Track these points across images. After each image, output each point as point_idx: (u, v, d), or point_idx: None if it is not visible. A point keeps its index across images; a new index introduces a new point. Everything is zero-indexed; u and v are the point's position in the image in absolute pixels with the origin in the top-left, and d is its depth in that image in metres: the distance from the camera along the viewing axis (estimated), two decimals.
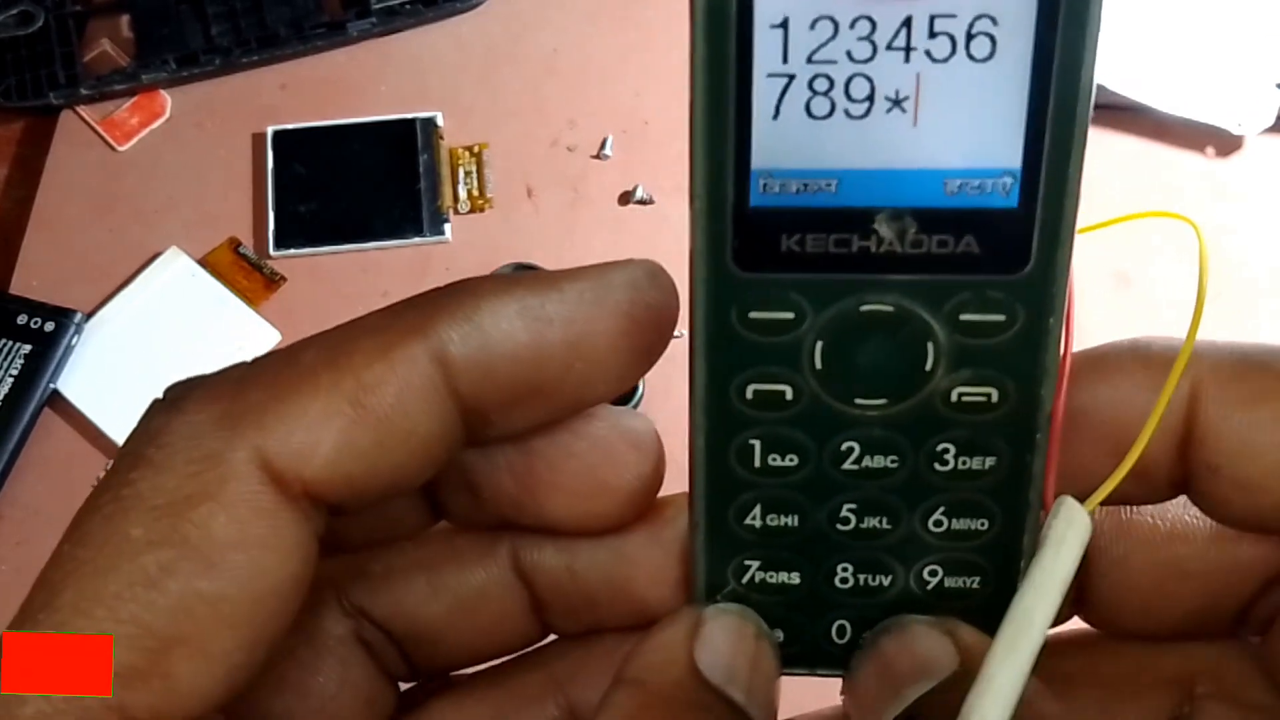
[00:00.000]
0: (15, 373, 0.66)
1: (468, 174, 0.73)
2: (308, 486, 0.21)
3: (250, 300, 0.70)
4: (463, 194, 0.73)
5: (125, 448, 0.22)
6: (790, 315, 0.22)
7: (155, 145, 0.75)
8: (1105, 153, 0.72)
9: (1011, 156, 0.21)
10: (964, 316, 0.22)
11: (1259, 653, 0.26)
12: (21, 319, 0.67)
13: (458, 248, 0.71)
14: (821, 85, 0.21)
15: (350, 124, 0.74)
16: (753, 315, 0.22)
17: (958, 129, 0.21)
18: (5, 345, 0.67)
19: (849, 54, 0.21)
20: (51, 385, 0.67)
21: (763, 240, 0.22)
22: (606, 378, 0.23)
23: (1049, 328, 0.22)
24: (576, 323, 0.23)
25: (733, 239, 0.22)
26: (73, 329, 0.67)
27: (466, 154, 0.74)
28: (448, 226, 0.72)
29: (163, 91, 0.76)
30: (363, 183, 0.73)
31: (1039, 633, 0.21)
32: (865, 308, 0.22)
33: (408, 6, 0.77)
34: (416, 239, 0.71)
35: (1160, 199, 0.69)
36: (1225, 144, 0.72)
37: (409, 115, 0.74)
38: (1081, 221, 0.22)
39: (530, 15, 0.78)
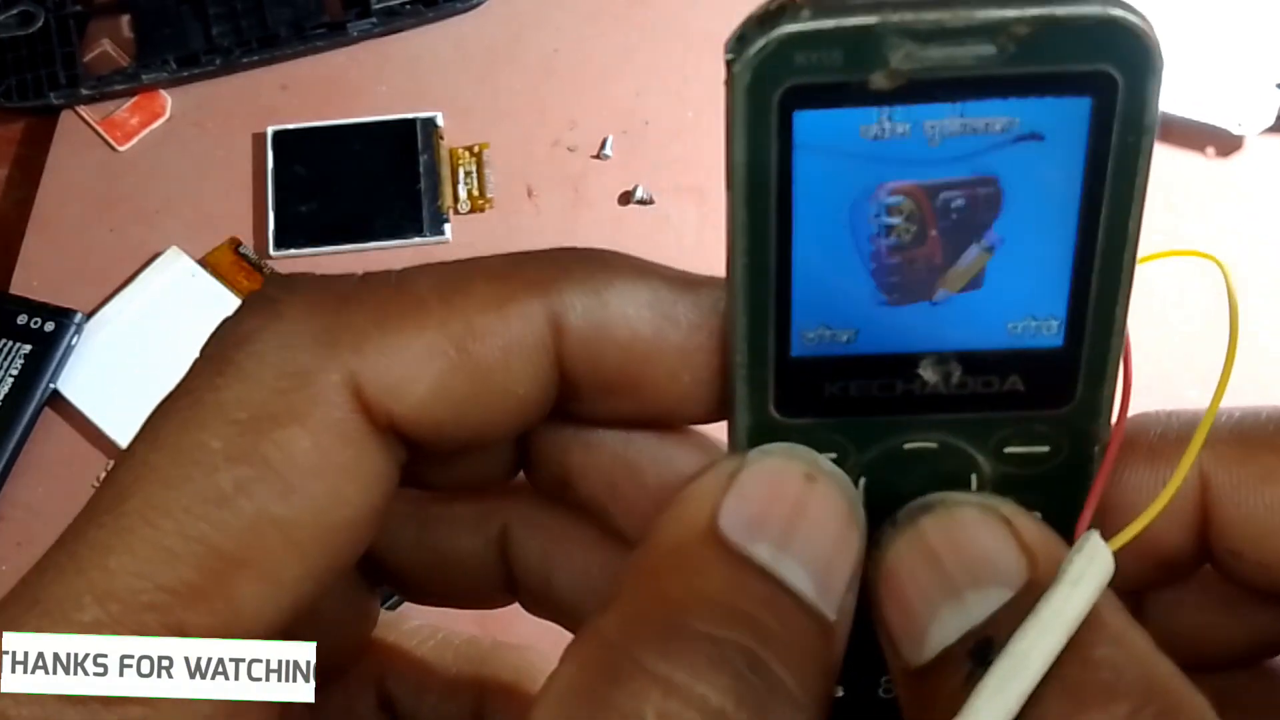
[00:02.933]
0: (15, 373, 0.66)
1: (468, 174, 0.73)
2: (395, 422, 0.20)
3: None
4: (463, 194, 0.73)
5: (212, 347, 0.21)
6: (833, 455, 0.22)
7: (155, 145, 0.75)
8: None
9: (1057, 300, 0.21)
10: (1008, 450, 0.22)
11: None
12: (21, 319, 0.67)
13: (458, 248, 0.71)
14: (866, 243, 0.21)
15: (350, 124, 0.74)
16: None
17: (1004, 280, 0.21)
18: (5, 345, 0.67)
19: (889, 218, 0.21)
20: (51, 385, 0.67)
21: (805, 388, 0.22)
22: (709, 399, 0.22)
23: (1093, 455, 0.22)
24: (701, 332, 0.22)
25: (775, 388, 0.22)
26: (73, 329, 0.67)
27: (467, 154, 0.74)
28: (448, 227, 0.72)
29: (163, 92, 0.76)
30: (363, 183, 0.73)
31: (1033, 674, 0.19)
32: (909, 446, 0.22)
33: (408, 7, 0.77)
34: (417, 239, 0.71)
35: (1160, 199, 0.69)
36: (1225, 144, 0.72)
37: (409, 115, 0.74)
38: None
39: (530, 15, 0.78)
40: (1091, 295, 0.21)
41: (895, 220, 0.21)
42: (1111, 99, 0.20)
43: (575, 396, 0.22)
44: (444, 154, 0.74)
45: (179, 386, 0.21)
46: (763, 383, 0.22)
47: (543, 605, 0.27)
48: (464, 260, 0.22)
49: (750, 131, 0.20)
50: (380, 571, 0.27)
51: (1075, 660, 0.19)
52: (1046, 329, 0.22)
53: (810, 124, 0.20)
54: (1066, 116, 0.20)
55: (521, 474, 0.26)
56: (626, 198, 0.73)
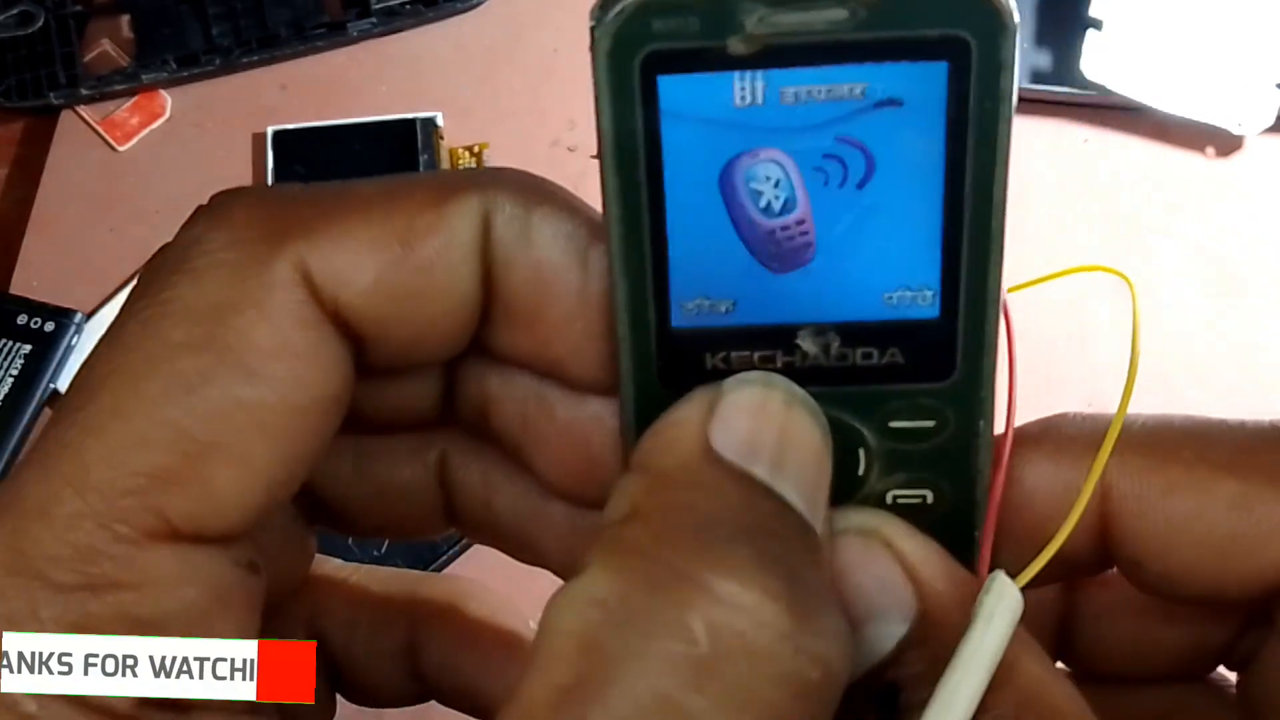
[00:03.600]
0: (15, 373, 0.66)
1: None
2: (341, 310, 0.21)
3: None
4: None
5: (167, 254, 0.21)
6: None
7: (155, 145, 0.75)
8: (1105, 153, 0.72)
9: (930, 270, 0.21)
10: (894, 424, 0.22)
11: (1232, 693, 0.25)
12: (21, 319, 0.67)
13: None
14: (733, 211, 0.21)
15: (350, 124, 0.74)
16: None
17: (876, 248, 0.21)
18: (5, 345, 0.67)
19: (758, 187, 0.21)
20: (51, 386, 0.67)
21: (687, 359, 0.22)
22: (596, 361, 0.23)
23: (979, 430, 0.22)
24: (603, 282, 0.22)
25: (657, 359, 0.22)
26: (73, 329, 0.67)
27: (466, 154, 0.74)
28: None
29: (163, 92, 0.76)
30: None
31: (964, 712, 0.20)
32: None
33: (408, 6, 0.77)
34: None
35: (1160, 199, 0.69)
36: (1226, 144, 0.72)
37: (409, 115, 0.74)
38: (1040, 262, 0.22)
39: (530, 15, 0.78)
40: (963, 264, 0.21)
41: (764, 187, 0.21)
42: (966, 64, 0.20)
43: (487, 318, 0.23)
44: (444, 154, 0.74)
45: (135, 292, 0.21)
46: (646, 354, 0.22)
47: (482, 530, 0.27)
48: (405, 173, 0.23)
49: (614, 98, 0.21)
50: (319, 507, 0.27)
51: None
52: (922, 299, 0.22)
53: (673, 90, 0.20)
54: (923, 82, 0.20)
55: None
56: None
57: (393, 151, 0.74)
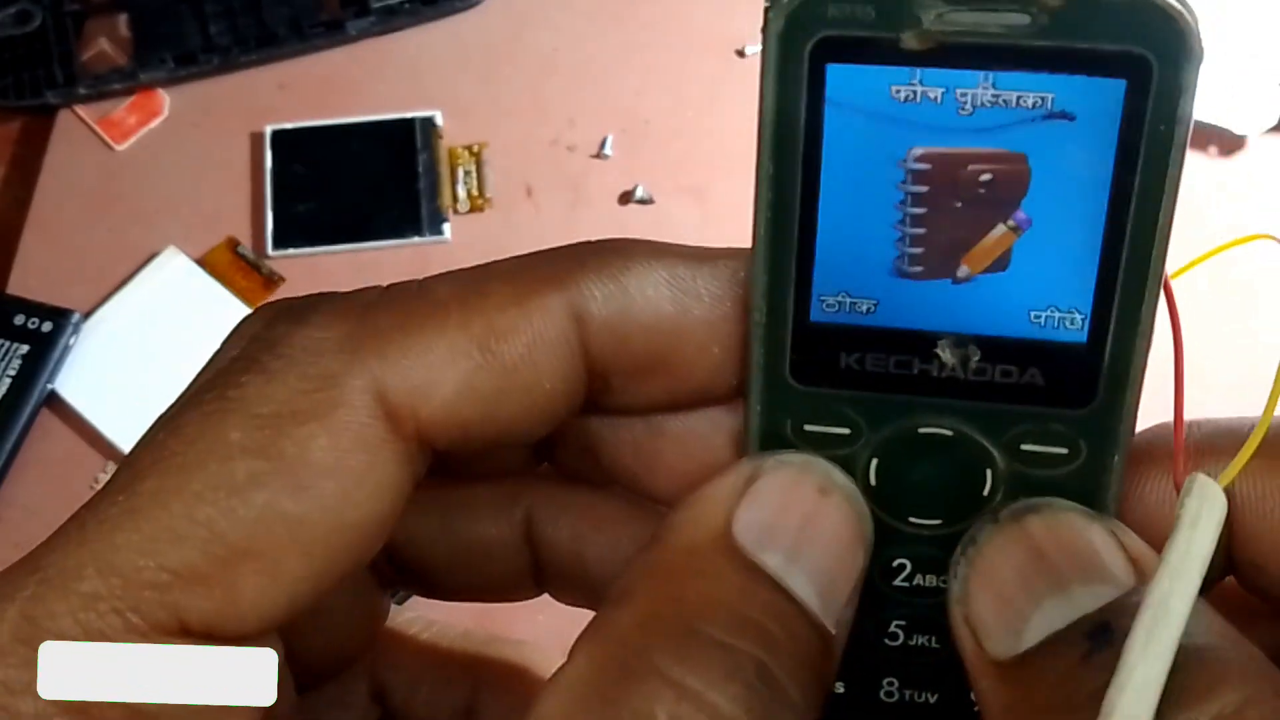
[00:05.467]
0: (13, 373, 0.66)
1: (467, 174, 0.73)
2: (421, 427, 0.21)
3: (249, 300, 0.69)
4: (462, 194, 0.73)
5: (239, 351, 0.21)
6: (845, 431, 0.22)
7: (153, 145, 0.74)
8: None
9: (1083, 293, 0.21)
10: (1025, 446, 0.22)
11: None
12: (19, 319, 0.67)
13: (457, 248, 0.71)
14: (888, 209, 0.21)
15: (349, 123, 0.74)
16: (808, 428, 0.22)
17: (1027, 262, 0.21)
18: (2, 346, 0.67)
19: (917, 187, 0.21)
20: (49, 386, 0.66)
21: (821, 356, 0.22)
22: (740, 368, 0.22)
23: (1113, 464, 0.22)
24: (724, 303, 0.22)
25: (791, 353, 0.22)
26: (70, 329, 0.67)
27: (466, 153, 0.73)
28: (447, 226, 0.71)
29: (161, 91, 0.75)
30: (361, 182, 0.73)
31: (1179, 619, 0.19)
32: (923, 430, 0.22)
33: (407, 6, 0.76)
34: (415, 239, 0.71)
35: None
36: (1228, 143, 0.71)
37: (408, 115, 0.74)
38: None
39: (530, 15, 0.78)
40: (1118, 291, 0.21)
41: (921, 188, 0.20)
42: (1145, 84, 0.19)
43: (605, 388, 0.22)
44: (443, 153, 0.73)
45: (203, 382, 0.21)
46: (780, 346, 0.22)
47: (575, 589, 0.26)
48: (483, 264, 0.22)
49: (780, 81, 0.20)
50: (403, 568, 0.26)
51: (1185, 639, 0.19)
52: (1070, 322, 0.21)
53: (840, 79, 0.20)
54: (1098, 98, 0.20)
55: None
56: (626, 197, 0.73)
57: (391, 151, 0.73)
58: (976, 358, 0.21)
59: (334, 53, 0.77)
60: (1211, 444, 0.22)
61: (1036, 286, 0.21)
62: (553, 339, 0.21)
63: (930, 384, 0.22)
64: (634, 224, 0.72)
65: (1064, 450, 0.22)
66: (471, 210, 0.72)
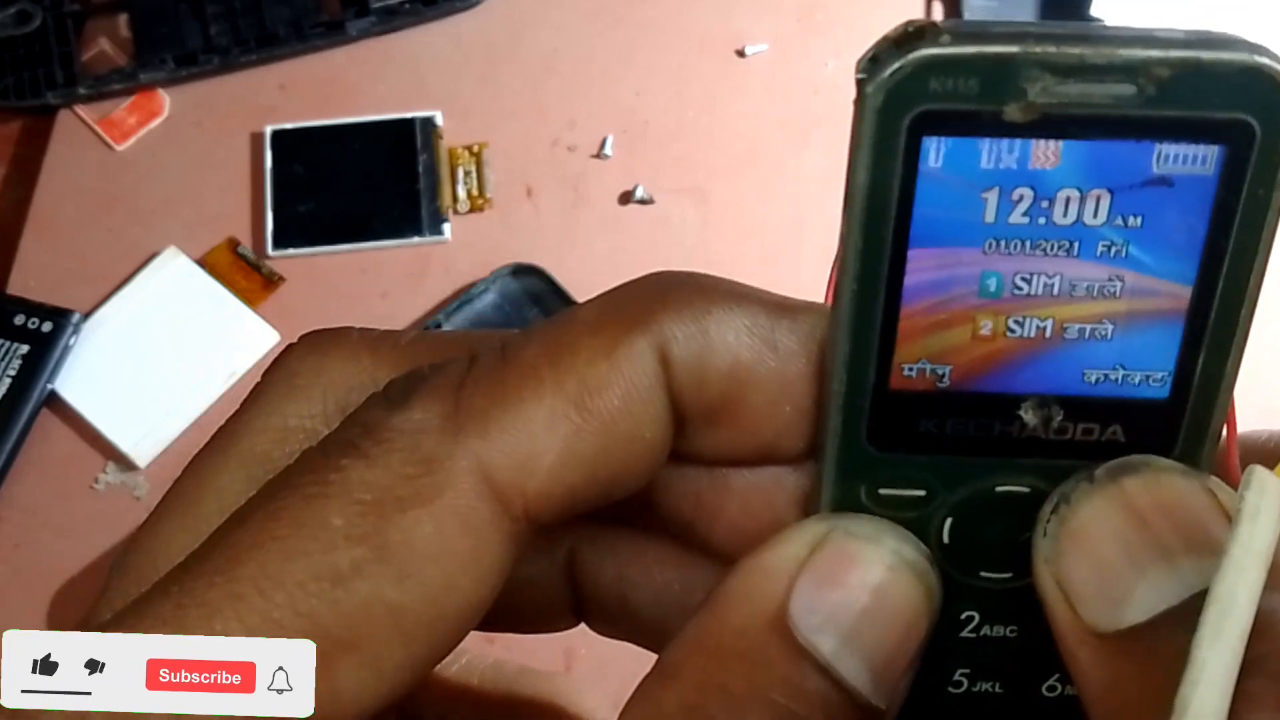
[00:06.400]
0: (13, 374, 0.66)
1: (467, 174, 0.73)
2: (529, 501, 0.20)
3: (249, 300, 0.69)
4: (462, 194, 0.73)
5: (337, 435, 0.21)
6: (922, 493, 0.22)
7: (153, 145, 0.74)
8: None
9: (1168, 353, 0.21)
10: None
11: None
12: (19, 319, 0.67)
13: (457, 248, 0.71)
14: (980, 279, 0.21)
15: (349, 123, 0.74)
16: (883, 492, 0.22)
17: (1116, 323, 0.21)
18: (2, 346, 0.67)
19: (1010, 256, 0.20)
20: (49, 386, 0.67)
21: (901, 423, 0.21)
22: (809, 432, 0.22)
23: None
24: (799, 359, 0.21)
25: (869, 419, 0.21)
26: (70, 329, 0.67)
27: (466, 154, 0.74)
28: (447, 226, 0.71)
29: (161, 91, 0.75)
30: (361, 182, 0.73)
31: (1245, 612, 0.19)
32: (1000, 489, 0.22)
33: (407, 6, 0.76)
34: (415, 239, 0.71)
35: None
36: None
37: (408, 115, 0.74)
38: None
39: (530, 15, 0.78)
40: (1203, 351, 0.21)
41: (1013, 259, 0.20)
42: (1247, 150, 0.19)
43: (680, 432, 0.22)
44: (443, 153, 0.73)
45: (299, 466, 0.21)
46: (858, 413, 0.21)
47: (618, 625, 0.26)
48: (562, 315, 0.22)
49: (876, 154, 0.20)
50: None
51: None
52: (1154, 380, 0.21)
53: (938, 151, 0.20)
54: (1198, 163, 0.20)
55: None
56: (626, 197, 0.73)
57: (391, 151, 0.73)
58: (1059, 418, 0.21)
59: (334, 53, 0.77)
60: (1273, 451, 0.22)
61: (1124, 348, 0.21)
62: (646, 386, 0.21)
63: (1010, 444, 0.22)
64: (634, 224, 0.72)
65: None
66: (471, 210, 0.72)
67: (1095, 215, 0.20)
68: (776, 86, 0.75)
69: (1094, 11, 0.70)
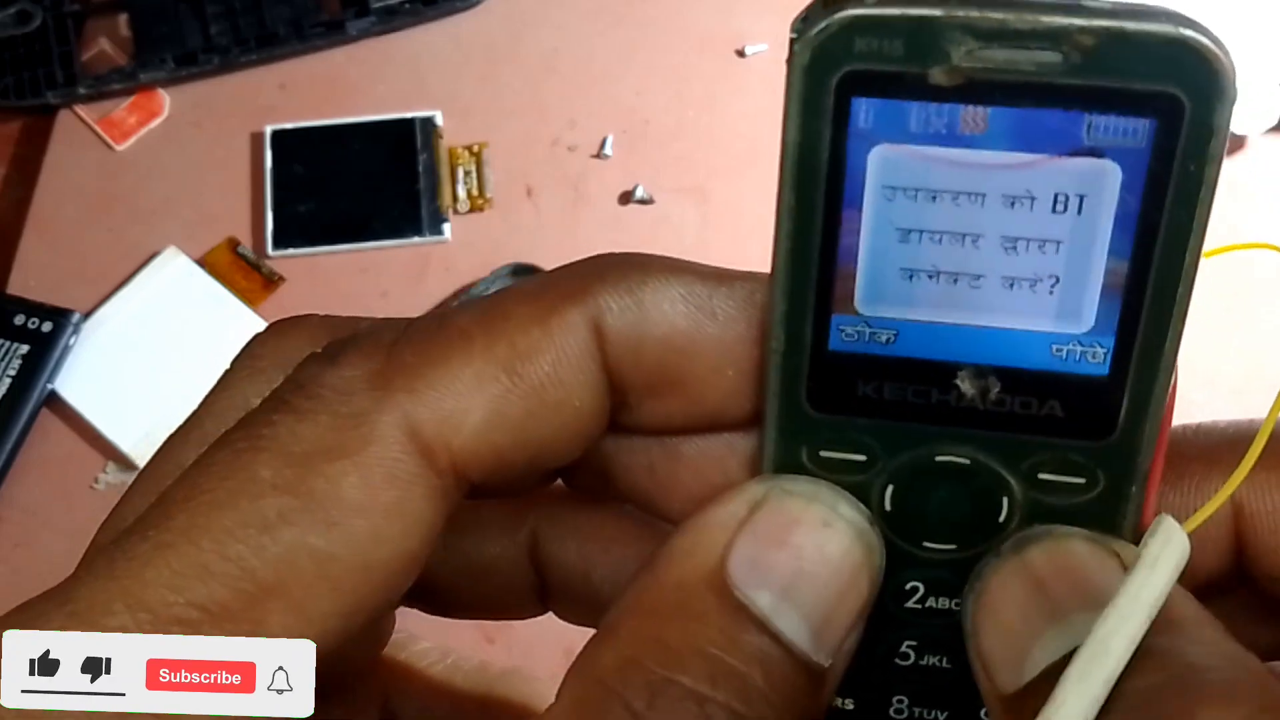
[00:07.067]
0: (13, 373, 0.66)
1: (467, 174, 0.73)
2: (455, 457, 0.21)
3: (249, 300, 0.69)
4: (462, 194, 0.73)
5: (272, 394, 0.21)
6: (862, 458, 0.22)
7: (153, 145, 0.74)
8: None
9: (1106, 327, 0.21)
10: (1042, 475, 0.22)
11: None
12: (19, 319, 0.67)
13: (457, 248, 0.71)
14: (911, 241, 0.21)
15: (349, 123, 0.74)
16: (824, 454, 0.22)
17: (1051, 295, 0.21)
18: (2, 346, 0.67)
19: (942, 220, 0.20)
20: (49, 386, 0.66)
21: (839, 384, 0.22)
22: (755, 395, 0.22)
23: (1130, 494, 0.22)
24: (739, 324, 0.22)
25: (808, 380, 0.22)
26: (70, 329, 0.67)
27: (466, 153, 0.74)
28: (447, 226, 0.71)
29: (161, 91, 0.75)
30: (361, 182, 0.73)
31: (1116, 661, 0.19)
32: (940, 458, 0.22)
33: (407, 6, 0.76)
34: (415, 239, 0.71)
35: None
36: (1229, 143, 0.71)
37: (408, 115, 0.74)
38: None
39: (530, 15, 0.78)
40: (1141, 327, 0.21)
41: (945, 222, 0.20)
42: (1176, 123, 0.19)
43: (623, 405, 0.22)
44: (443, 153, 0.73)
45: (235, 425, 0.21)
46: (797, 374, 0.22)
47: (581, 608, 0.26)
48: (503, 289, 0.22)
49: (805, 113, 0.20)
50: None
51: (1177, 657, 0.19)
52: (1093, 356, 0.21)
53: (864, 111, 0.20)
54: (1128, 136, 0.20)
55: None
56: (626, 197, 0.73)
57: (391, 151, 0.73)
58: (996, 389, 0.21)
59: (334, 53, 0.77)
60: (1210, 455, 0.22)
61: (1060, 320, 0.21)
62: (577, 354, 0.21)
63: (948, 413, 0.22)
64: (633, 224, 0.72)
65: (1082, 480, 0.22)
66: (471, 210, 0.72)
67: (1026, 183, 0.20)
68: (776, 86, 0.75)
69: None
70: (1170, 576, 0.20)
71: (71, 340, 0.67)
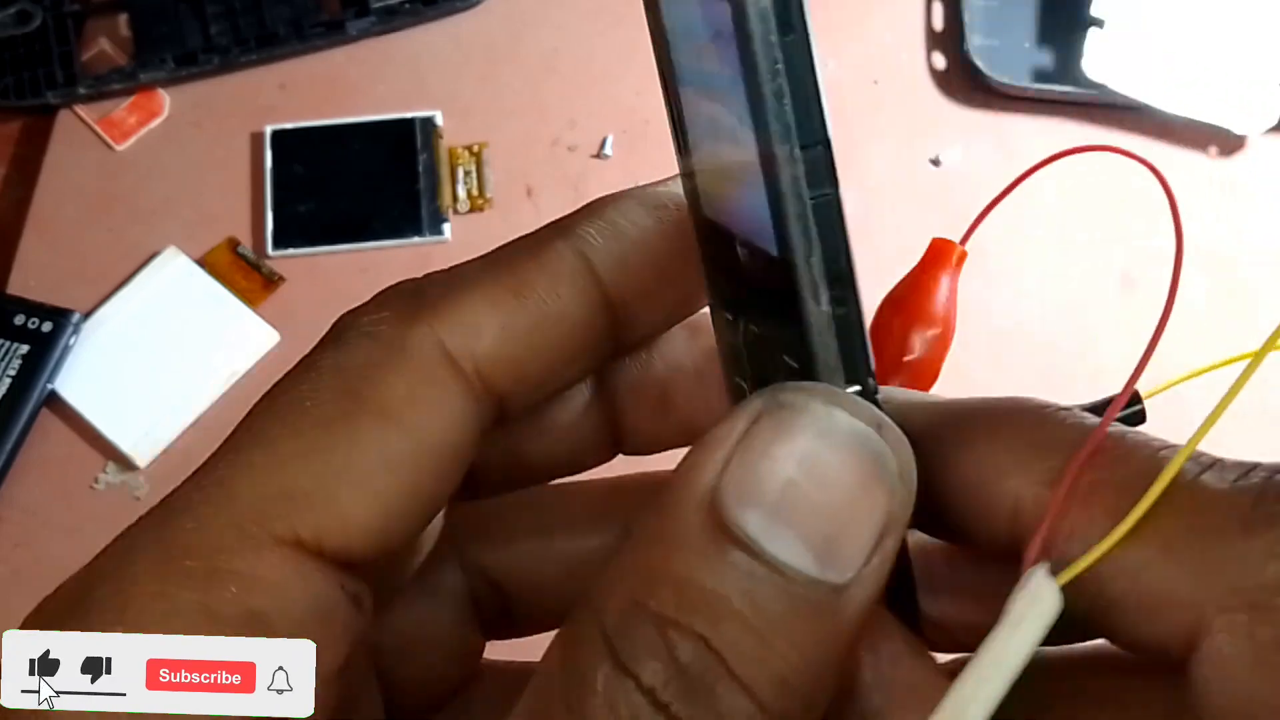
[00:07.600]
0: (13, 374, 0.66)
1: (467, 174, 0.73)
2: (478, 365, 0.24)
3: (249, 300, 0.69)
4: (462, 194, 0.73)
5: (312, 350, 0.24)
6: (729, 317, 0.25)
7: (153, 145, 0.74)
8: (1108, 153, 0.71)
9: (763, 214, 0.21)
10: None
11: None
12: (19, 319, 0.67)
13: (457, 248, 0.71)
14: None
15: (349, 123, 0.74)
16: (717, 315, 0.25)
17: (748, 187, 0.21)
18: (2, 346, 0.67)
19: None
20: (49, 386, 0.66)
21: (712, 250, 0.24)
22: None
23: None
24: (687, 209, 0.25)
25: (703, 247, 0.25)
26: (70, 329, 0.67)
27: (466, 153, 0.74)
28: (447, 226, 0.71)
29: (161, 91, 0.75)
30: (361, 182, 0.73)
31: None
32: (753, 329, 0.24)
33: (407, 5, 0.76)
34: (415, 239, 0.71)
35: (1162, 198, 0.69)
36: (1228, 143, 0.71)
37: (408, 115, 0.74)
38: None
39: (530, 15, 0.78)
40: (781, 219, 0.20)
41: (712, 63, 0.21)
42: None
43: (630, 314, 0.25)
44: (443, 153, 0.73)
45: (291, 369, 0.24)
46: (703, 250, 0.25)
47: (660, 436, 0.28)
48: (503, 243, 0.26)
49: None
50: (507, 602, 0.28)
51: None
52: (770, 239, 0.21)
53: None
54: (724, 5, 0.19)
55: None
56: None
57: (391, 151, 0.73)
58: (762, 263, 0.21)
59: (334, 53, 0.77)
60: (1126, 484, 0.20)
61: (755, 203, 0.21)
62: (567, 274, 0.24)
63: (751, 280, 0.22)
64: None
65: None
66: (471, 210, 0.72)
67: (717, 63, 0.20)
68: None
69: (1094, 11, 0.70)
70: (1036, 637, 0.19)
71: (71, 340, 0.67)
